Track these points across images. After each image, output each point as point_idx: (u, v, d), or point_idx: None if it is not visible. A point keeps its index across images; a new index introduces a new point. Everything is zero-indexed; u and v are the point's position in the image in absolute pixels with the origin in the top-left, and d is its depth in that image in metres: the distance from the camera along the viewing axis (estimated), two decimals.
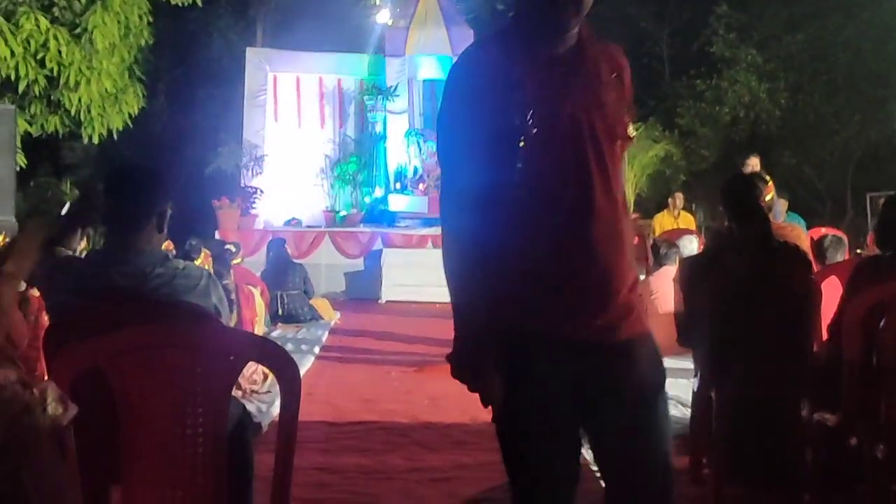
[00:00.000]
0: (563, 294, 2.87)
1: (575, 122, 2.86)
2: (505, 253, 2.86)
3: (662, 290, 10.16)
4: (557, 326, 2.89)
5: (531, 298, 2.89)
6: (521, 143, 2.78)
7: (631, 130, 3.12)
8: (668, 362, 8.70)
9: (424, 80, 20.69)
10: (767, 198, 9.86)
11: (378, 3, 27.58)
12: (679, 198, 16.54)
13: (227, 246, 13.04)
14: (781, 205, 12.30)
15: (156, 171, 4.12)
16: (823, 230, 10.15)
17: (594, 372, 2.94)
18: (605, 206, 2.86)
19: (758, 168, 12.61)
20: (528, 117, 2.78)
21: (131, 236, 3.86)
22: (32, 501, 2.51)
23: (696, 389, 5.98)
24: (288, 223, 19.12)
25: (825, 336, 5.25)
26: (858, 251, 12.95)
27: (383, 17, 25.10)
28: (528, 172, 2.80)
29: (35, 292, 5.51)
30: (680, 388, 8.14)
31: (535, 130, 2.78)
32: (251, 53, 20.88)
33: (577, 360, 2.91)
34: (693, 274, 5.86)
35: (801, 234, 7.43)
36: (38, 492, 2.51)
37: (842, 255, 8.29)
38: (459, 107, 2.87)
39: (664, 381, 3.07)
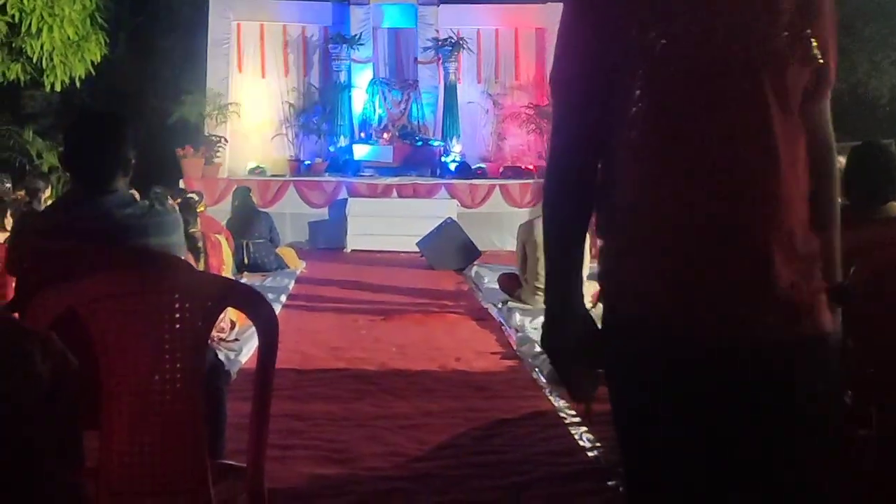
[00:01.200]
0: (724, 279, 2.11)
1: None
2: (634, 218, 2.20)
3: None
4: (714, 326, 2.11)
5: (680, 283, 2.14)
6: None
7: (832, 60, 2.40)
8: None
9: (389, 29, 20.61)
10: None
11: None
12: None
13: (191, 194, 13.00)
14: None
15: (121, 117, 4.11)
16: None
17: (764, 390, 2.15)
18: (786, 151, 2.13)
19: None
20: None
21: (98, 181, 3.85)
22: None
23: None
24: (252, 172, 19.06)
25: None
26: None
27: None
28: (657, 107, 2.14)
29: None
30: None
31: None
32: (214, 1, 20.68)
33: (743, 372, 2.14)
34: None
35: None
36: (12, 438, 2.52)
37: None
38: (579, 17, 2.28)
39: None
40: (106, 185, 3.85)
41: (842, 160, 5.09)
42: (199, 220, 9.96)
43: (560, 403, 6.61)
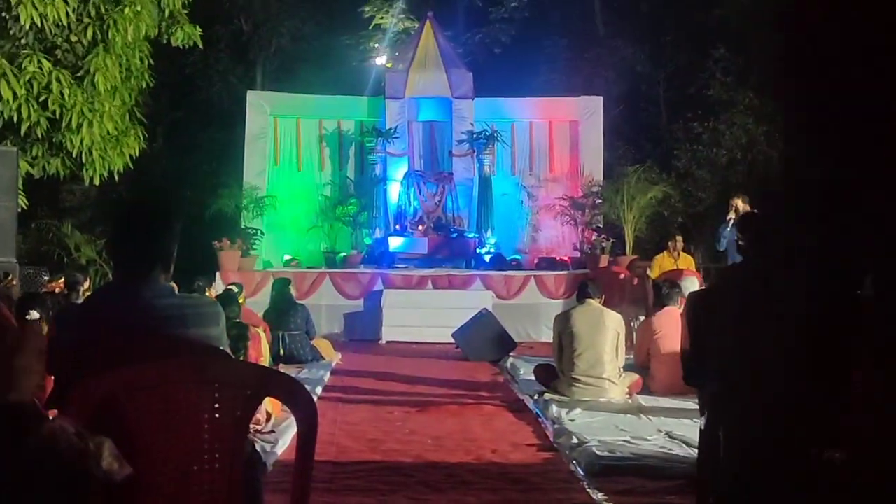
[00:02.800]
0: None
1: None
2: None
3: (666, 330, 10.21)
4: None
5: None
6: None
7: None
8: (673, 402, 8.82)
9: (424, 122, 20.81)
10: None
11: (377, 46, 27.84)
12: (678, 240, 16.59)
13: (230, 286, 13.06)
14: None
15: (167, 208, 4.15)
16: None
17: None
18: None
19: (744, 208, 12.75)
20: None
21: (139, 272, 3.88)
22: None
23: (702, 429, 5.98)
24: (287, 264, 19.16)
25: None
26: None
27: (382, 60, 25.32)
28: None
29: None
30: (685, 428, 8.17)
31: None
32: (252, 96, 21.03)
33: None
34: (700, 309, 5.89)
35: None
36: None
37: None
38: None
39: None
40: (147, 275, 3.87)
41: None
42: (241, 311, 10.02)
43: (598, 496, 6.55)
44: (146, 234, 3.96)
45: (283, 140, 20.70)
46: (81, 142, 15.71)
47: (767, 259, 5.61)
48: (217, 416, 2.99)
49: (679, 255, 16.42)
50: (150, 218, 4.05)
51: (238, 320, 9.25)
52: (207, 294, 9.33)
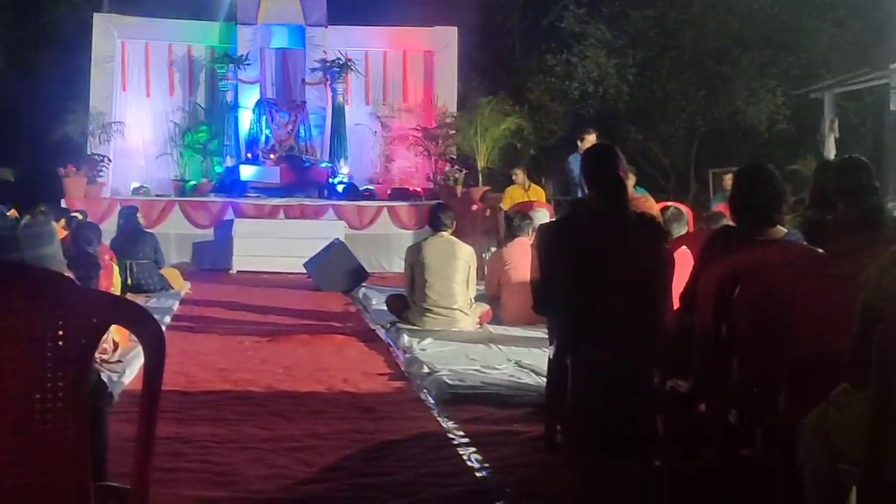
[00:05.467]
0: None
1: None
2: None
3: (516, 261, 10.31)
4: None
5: None
6: None
7: None
8: (523, 332, 8.94)
9: (277, 50, 20.55)
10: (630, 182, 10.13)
11: None
12: (518, 173, 16.69)
13: (74, 214, 12.77)
14: (630, 178, 12.53)
15: None
16: (668, 204, 10.38)
17: None
18: None
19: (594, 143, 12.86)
20: None
21: None
22: None
23: (551, 357, 6.07)
24: (136, 192, 18.79)
25: (677, 305, 5.38)
26: (702, 225, 13.28)
27: None
28: None
29: None
30: (535, 357, 8.29)
31: None
32: (98, 18, 20.42)
33: None
34: (551, 240, 5.95)
35: (653, 205, 7.62)
36: None
37: (682, 228, 8.51)
38: None
39: None
40: None
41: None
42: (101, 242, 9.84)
43: (448, 424, 6.60)
44: None
45: (130, 65, 20.23)
46: None
47: (608, 197, 5.69)
48: (61, 343, 2.90)
49: (529, 186, 16.57)
50: None
51: (91, 248, 9.05)
52: (58, 224, 9.08)
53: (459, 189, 18.70)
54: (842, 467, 3.43)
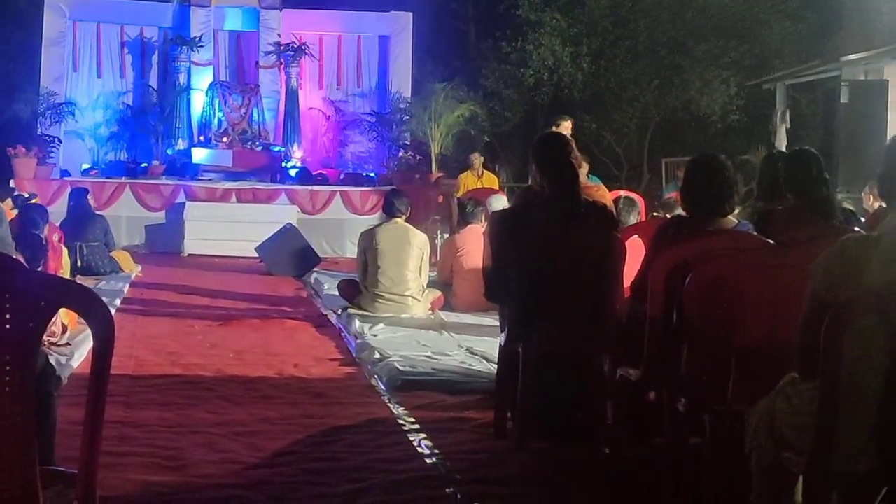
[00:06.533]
0: None
1: None
2: None
3: (469, 248, 10.34)
4: None
5: None
6: None
7: None
8: (474, 318, 8.97)
9: (230, 32, 20.44)
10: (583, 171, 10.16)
11: None
12: (477, 158, 16.75)
13: (20, 194, 12.65)
14: (583, 167, 12.54)
15: None
16: (621, 192, 10.42)
17: None
18: None
19: (569, 130, 12.82)
20: None
21: None
22: None
23: (502, 344, 6.09)
24: (86, 173, 18.62)
25: (627, 294, 5.42)
26: (655, 214, 13.34)
27: None
28: None
29: None
30: (486, 344, 8.31)
31: None
32: None
33: None
34: (503, 228, 5.97)
35: (605, 194, 7.63)
36: None
37: (635, 217, 8.56)
38: None
39: None
40: None
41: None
42: (49, 223, 9.76)
43: (399, 411, 6.61)
44: None
45: (82, 45, 20.02)
46: None
47: (559, 185, 5.72)
48: (8, 327, 2.87)
49: (483, 173, 16.59)
50: None
51: (38, 231, 8.97)
52: (4, 204, 9.00)
53: (413, 175, 18.68)
54: (788, 456, 3.47)
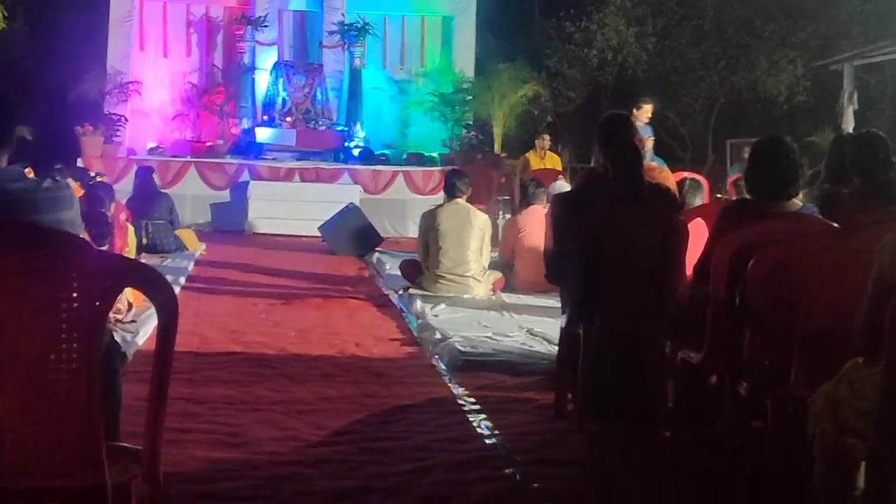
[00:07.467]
0: None
1: None
2: None
3: (530, 228, 10.31)
4: None
5: None
6: None
7: None
8: (535, 300, 8.98)
9: (294, 12, 20.49)
10: (648, 146, 10.06)
11: None
12: (545, 139, 16.71)
13: (93, 174, 12.79)
14: (648, 144, 12.44)
15: (3, 93, 4.02)
16: (685, 174, 10.34)
17: None
18: None
19: (650, 114, 12.65)
20: None
21: None
22: None
23: (562, 326, 6.08)
24: (153, 152, 18.79)
25: (690, 276, 5.38)
26: (718, 196, 13.22)
27: None
28: None
29: None
30: (547, 325, 8.30)
31: None
32: None
33: None
34: (564, 209, 5.95)
35: (668, 176, 7.59)
36: None
37: (700, 199, 8.50)
38: None
39: None
40: None
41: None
42: (115, 202, 9.86)
43: (459, 391, 6.63)
44: None
45: (148, 24, 20.14)
46: None
47: (622, 166, 5.69)
48: (75, 305, 2.92)
49: (546, 154, 16.54)
50: None
51: (104, 209, 9.07)
52: (67, 179, 9.09)
53: (475, 155, 18.65)
54: (851, 441, 3.44)
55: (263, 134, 19.21)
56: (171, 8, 20.27)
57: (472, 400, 6.37)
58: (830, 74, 19.56)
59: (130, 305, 8.20)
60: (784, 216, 4.97)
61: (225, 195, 18.02)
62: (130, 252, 9.68)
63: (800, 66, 21.48)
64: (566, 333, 6.03)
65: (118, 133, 18.42)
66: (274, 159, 18.65)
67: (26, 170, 3.94)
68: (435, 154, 19.78)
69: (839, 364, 3.58)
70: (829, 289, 4.07)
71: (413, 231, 14.03)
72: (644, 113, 12.66)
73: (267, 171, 18.14)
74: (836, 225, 4.81)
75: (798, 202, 5.18)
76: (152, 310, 3.17)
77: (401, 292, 10.35)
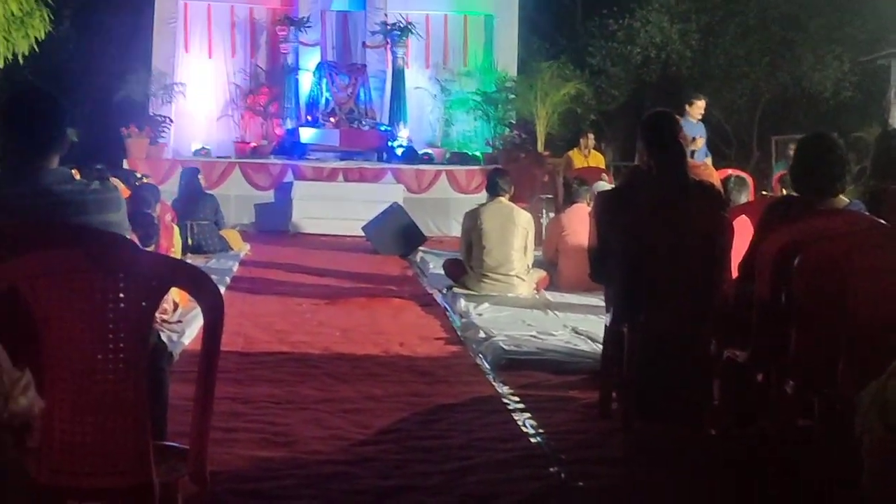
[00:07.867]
0: None
1: None
2: None
3: (574, 227, 10.29)
4: None
5: None
6: None
7: None
8: (580, 298, 8.95)
9: (337, 12, 20.53)
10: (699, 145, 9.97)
11: None
12: (590, 137, 16.66)
13: (140, 176, 12.89)
14: (696, 144, 12.38)
15: (53, 96, 4.06)
16: (729, 171, 10.28)
17: None
18: None
19: (702, 110, 12.55)
20: None
21: (35, 158, 3.81)
22: None
23: (607, 325, 6.07)
24: (197, 153, 18.91)
25: (735, 274, 5.35)
26: (764, 193, 13.14)
27: None
28: None
29: None
30: (591, 323, 8.28)
31: None
32: None
33: None
34: (608, 207, 5.94)
35: (713, 173, 7.57)
36: None
37: (745, 196, 8.45)
38: None
39: None
40: (42, 161, 3.80)
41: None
42: (160, 203, 9.93)
43: (503, 389, 6.62)
44: (37, 119, 3.88)
45: (192, 26, 20.26)
46: None
47: (667, 164, 5.66)
48: (122, 305, 2.95)
49: (590, 152, 16.49)
50: (38, 103, 3.96)
51: (150, 211, 9.15)
52: (111, 181, 9.18)
53: (518, 154, 18.62)
54: None
55: (307, 134, 19.27)
56: (215, 9, 20.36)
57: (517, 399, 6.37)
58: (877, 69, 19.40)
59: (176, 305, 8.26)
60: (830, 213, 4.93)
61: (269, 195, 18.10)
62: (176, 253, 9.74)
63: (846, 61, 21.30)
64: (611, 332, 6.01)
65: (163, 134, 18.56)
66: (318, 159, 18.71)
67: (73, 171, 3.98)
68: (478, 153, 19.78)
69: (887, 362, 3.54)
70: (877, 286, 4.04)
71: (456, 230, 14.03)
72: (696, 109, 12.59)
73: (311, 172, 18.20)
74: (882, 221, 4.77)
75: (844, 199, 5.13)
76: (198, 310, 3.20)
77: (444, 291, 10.36)
